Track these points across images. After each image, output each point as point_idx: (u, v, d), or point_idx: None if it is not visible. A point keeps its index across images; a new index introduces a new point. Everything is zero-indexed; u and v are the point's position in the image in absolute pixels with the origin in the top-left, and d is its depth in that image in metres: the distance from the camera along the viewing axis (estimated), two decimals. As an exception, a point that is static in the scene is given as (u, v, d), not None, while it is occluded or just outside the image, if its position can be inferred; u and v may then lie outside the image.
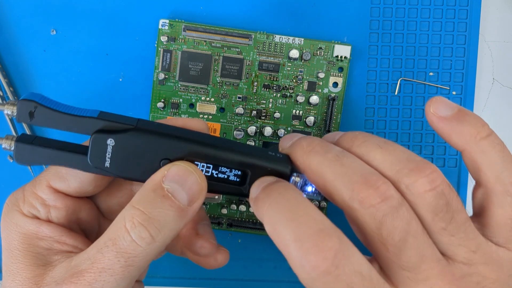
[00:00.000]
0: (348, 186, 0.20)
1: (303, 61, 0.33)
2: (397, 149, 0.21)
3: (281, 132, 0.33)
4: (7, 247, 0.23)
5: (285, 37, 0.33)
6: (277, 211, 0.20)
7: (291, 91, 0.33)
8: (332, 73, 0.33)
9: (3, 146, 0.23)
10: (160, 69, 0.33)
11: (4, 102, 0.22)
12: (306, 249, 0.19)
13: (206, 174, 0.23)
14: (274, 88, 0.33)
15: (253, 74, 0.33)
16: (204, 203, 0.34)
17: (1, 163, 0.35)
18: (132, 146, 0.22)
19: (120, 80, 0.34)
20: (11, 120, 0.34)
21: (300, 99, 0.33)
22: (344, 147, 0.22)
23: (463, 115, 0.22)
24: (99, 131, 0.22)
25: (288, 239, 0.19)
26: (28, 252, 0.23)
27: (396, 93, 0.34)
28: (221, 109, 0.34)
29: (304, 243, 0.19)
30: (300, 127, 0.34)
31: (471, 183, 0.35)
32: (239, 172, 0.23)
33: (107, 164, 0.22)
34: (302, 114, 0.34)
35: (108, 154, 0.22)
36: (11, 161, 0.35)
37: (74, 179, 0.24)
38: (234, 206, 0.34)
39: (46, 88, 0.34)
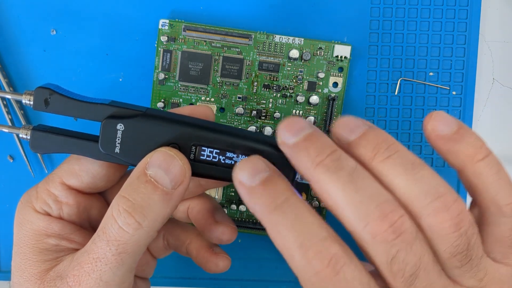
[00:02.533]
0: (361, 218, 0.19)
1: (303, 61, 0.33)
2: (424, 177, 0.19)
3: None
4: (18, 243, 0.24)
5: (285, 37, 0.33)
6: (282, 215, 0.20)
7: (291, 91, 0.33)
8: (332, 73, 0.33)
9: (20, 135, 0.24)
10: (160, 69, 0.33)
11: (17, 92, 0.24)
12: (310, 255, 0.19)
13: (213, 160, 0.23)
14: (274, 88, 0.33)
15: (253, 74, 0.33)
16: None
17: (1, 163, 0.35)
18: (141, 131, 0.23)
19: (120, 80, 0.34)
20: (11, 121, 0.34)
21: (300, 99, 0.33)
22: (362, 158, 0.20)
23: (462, 134, 0.21)
24: (109, 117, 0.23)
25: (293, 243, 0.19)
26: (37, 248, 0.23)
27: (396, 93, 0.34)
28: (221, 109, 0.34)
29: (309, 249, 0.19)
30: (300, 127, 0.34)
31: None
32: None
33: (117, 149, 0.23)
34: (302, 114, 0.34)
35: (118, 140, 0.23)
36: (11, 161, 0.35)
37: (86, 174, 0.24)
38: (234, 206, 0.34)
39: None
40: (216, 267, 0.27)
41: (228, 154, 0.23)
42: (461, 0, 0.34)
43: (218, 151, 0.23)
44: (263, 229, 0.34)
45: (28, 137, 0.24)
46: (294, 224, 0.19)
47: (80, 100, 0.23)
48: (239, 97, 0.33)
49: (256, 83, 0.33)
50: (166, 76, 0.33)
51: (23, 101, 0.23)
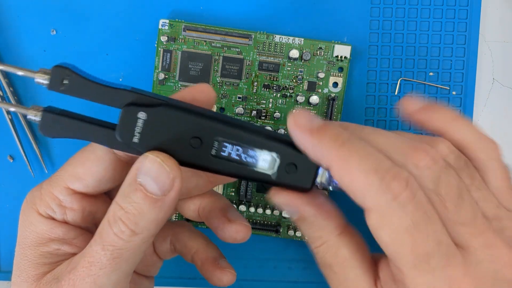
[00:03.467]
0: (403, 153, 0.21)
1: (303, 61, 0.33)
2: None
3: (281, 132, 0.33)
4: (20, 242, 0.24)
5: (285, 37, 0.33)
6: (352, 147, 0.21)
7: (291, 91, 0.33)
8: (332, 73, 0.33)
9: (28, 116, 0.22)
10: (160, 69, 0.33)
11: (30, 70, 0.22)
12: (388, 178, 0.20)
13: (235, 157, 0.22)
14: (274, 88, 0.33)
15: (253, 74, 0.33)
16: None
17: (1, 163, 0.35)
18: (164, 121, 0.22)
19: (120, 80, 0.34)
20: (12, 121, 0.34)
21: (300, 99, 0.33)
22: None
23: (434, 105, 0.24)
24: (130, 104, 0.22)
25: (369, 170, 0.20)
26: (38, 251, 0.23)
27: (396, 93, 0.34)
28: (221, 109, 0.34)
29: (386, 173, 0.20)
30: (300, 127, 0.34)
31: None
32: (268, 158, 0.23)
33: (135, 139, 0.22)
34: (302, 114, 0.33)
35: (138, 129, 0.22)
36: (11, 161, 0.35)
37: (91, 178, 0.24)
38: (234, 206, 0.34)
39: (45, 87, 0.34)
40: (220, 282, 0.27)
41: (251, 152, 0.22)
42: (461, 0, 0.34)
43: (241, 148, 0.22)
44: (263, 229, 0.34)
45: (38, 119, 0.22)
46: (366, 154, 0.21)
47: (100, 83, 0.22)
48: (239, 97, 0.33)
49: (256, 83, 0.33)
50: (166, 76, 0.33)
51: (36, 80, 0.22)
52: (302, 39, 0.33)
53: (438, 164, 0.21)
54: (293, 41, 0.33)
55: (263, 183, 0.23)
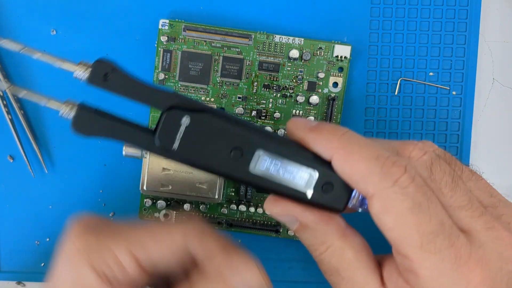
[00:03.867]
0: (393, 149, 0.23)
1: (303, 61, 0.33)
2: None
3: (281, 132, 0.33)
4: (57, 283, 0.21)
5: (285, 37, 0.33)
6: (351, 137, 0.22)
7: (291, 91, 0.33)
8: (332, 73, 0.33)
9: (61, 112, 0.21)
10: (160, 69, 0.33)
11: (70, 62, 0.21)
12: (388, 164, 0.21)
13: (273, 173, 0.22)
14: (274, 88, 0.33)
15: (253, 74, 0.33)
16: (204, 203, 0.34)
17: (1, 163, 0.35)
18: (208, 128, 0.21)
19: (120, 80, 0.34)
20: (12, 121, 0.34)
21: (300, 99, 0.33)
22: None
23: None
24: (173, 107, 0.21)
25: (370, 157, 0.21)
26: None
27: (396, 93, 0.34)
28: (221, 109, 0.34)
29: (386, 160, 0.21)
30: (300, 127, 0.34)
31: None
32: (306, 176, 0.22)
33: (175, 145, 0.21)
34: (302, 114, 0.34)
35: (180, 134, 0.21)
36: (11, 161, 0.35)
37: (158, 258, 0.21)
38: (234, 206, 0.34)
39: (46, 88, 0.34)
40: None
41: (289, 168, 0.22)
42: (461, 0, 0.34)
43: (280, 162, 0.22)
44: (263, 229, 0.34)
45: (71, 115, 0.21)
46: (366, 143, 0.22)
47: (143, 82, 0.21)
48: (239, 97, 0.33)
49: (256, 83, 0.33)
50: (166, 76, 0.33)
51: (75, 73, 0.21)
52: (302, 39, 0.33)
53: (428, 154, 0.23)
54: (293, 41, 0.33)
55: (297, 200, 0.23)
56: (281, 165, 0.22)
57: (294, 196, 0.22)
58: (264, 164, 0.22)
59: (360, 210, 0.23)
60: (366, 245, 0.24)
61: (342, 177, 0.22)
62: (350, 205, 0.23)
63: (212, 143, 0.21)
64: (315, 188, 0.22)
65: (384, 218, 0.21)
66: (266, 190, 0.23)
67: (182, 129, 0.21)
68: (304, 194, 0.22)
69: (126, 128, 0.21)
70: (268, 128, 0.33)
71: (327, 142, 0.22)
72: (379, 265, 0.23)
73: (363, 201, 0.23)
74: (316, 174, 0.22)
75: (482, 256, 0.21)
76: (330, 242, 0.23)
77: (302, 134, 0.23)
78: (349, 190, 0.22)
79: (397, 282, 0.22)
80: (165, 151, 0.21)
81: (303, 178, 0.22)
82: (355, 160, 0.21)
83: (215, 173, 0.22)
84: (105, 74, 0.21)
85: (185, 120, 0.21)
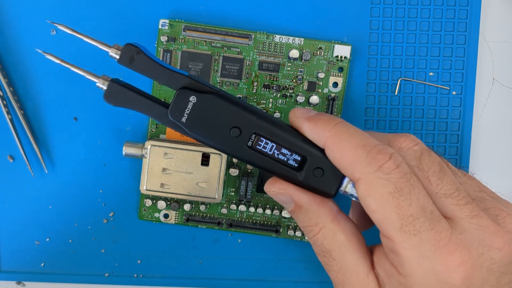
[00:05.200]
0: (385, 140, 0.24)
1: (303, 61, 0.33)
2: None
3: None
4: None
5: (285, 37, 0.33)
6: (343, 126, 0.24)
7: (291, 91, 0.33)
8: (332, 73, 0.33)
9: (97, 83, 0.25)
10: (160, 69, 0.33)
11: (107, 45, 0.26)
12: (374, 152, 0.22)
13: (268, 152, 0.25)
14: (274, 88, 0.33)
15: (253, 74, 0.33)
16: (204, 203, 0.34)
17: (1, 163, 0.35)
18: (210, 107, 0.24)
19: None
20: (12, 121, 0.34)
21: (300, 99, 0.33)
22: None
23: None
24: (185, 87, 0.24)
25: (357, 145, 0.23)
26: None
27: (396, 93, 0.34)
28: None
29: (373, 148, 0.22)
30: (300, 127, 0.34)
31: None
32: (299, 158, 0.25)
33: (183, 119, 0.24)
34: (302, 114, 0.34)
35: (187, 110, 0.24)
36: (11, 161, 0.35)
37: None
38: (234, 206, 0.34)
39: (46, 88, 0.34)
40: None
41: (283, 151, 0.25)
42: (461, 0, 0.34)
43: (275, 145, 0.25)
44: (263, 229, 0.34)
45: (105, 87, 0.25)
46: (356, 132, 0.23)
47: (162, 64, 0.24)
48: (239, 97, 0.33)
49: (256, 83, 0.33)
50: (166, 76, 0.33)
51: (110, 53, 0.25)
52: (302, 39, 0.33)
53: (419, 145, 0.24)
54: (293, 41, 0.33)
55: (291, 181, 0.25)
56: (275, 147, 0.25)
57: (288, 176, 0.25)
58: (260, 144, 0.25)
59: (353, 198, 0.25)
60: (358, 231, 0.25)
61: (334, 163, 0.24)
62: (341, 191, 0.25)
63: (215, 121, 0.24)
64: (306, 171, 0.25)
65: (368, 201, 0.22)
66: (261, 168, 0.25)
67: (189, 106, 0.24)
68: (296, 175, 0.25)
69: (146, 102, 0.25)
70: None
71: (321, 130, 0.24)
72: (371, 252, 0.25)
73: (353, 189, 0.24)
74: (307, 159, 0.25)
75: (462, 241, 0.21)
76: (323, 224, 0.25)
77: (300, 122, 0.25)
78: (340, 176, 0.24)
79: (384, 264, 0.23)
80: (175, 124, 0.24)
81: (296, 160, 0.25)
82: (344, 147, 0.23)
83: (216, 148, 0.25)
84: (131, 57, 0.24)
85: (193, 99, 0.24)
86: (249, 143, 0.25)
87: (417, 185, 0.22)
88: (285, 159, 0.25)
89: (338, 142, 0.23)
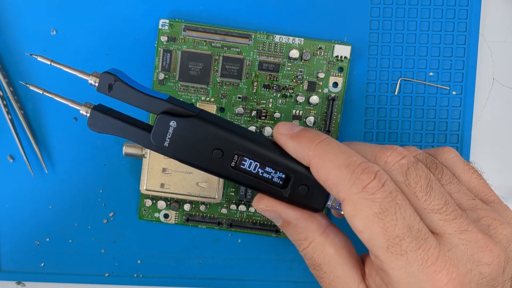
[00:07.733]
0: (373, 154, 0.24)
1: (303, 61, 0.33)
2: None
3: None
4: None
5: (285, 37, 0.33)
6: (327, 145, 0.23)
7: (291, 91, 0.33)
8: (332, 73, 0.33)
9: (81, 111, 0.25)
10: (160, 69, 0.33)
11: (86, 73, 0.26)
12: (358, 171, 0.22)
13: (252, 171, 0.25)
14: (274, 88, 0.33)
15: (253, 74, 0.33)
16: (204, 203, 0.34)
17: (1, 163, 0.35)
18: (191, 131, 0.24)
19: (120, 80, 0.34)
20: (12, 121, 0.34)
21: (300, 99, 0.33)
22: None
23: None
24: (165, 112, 0.24)
25: (341, 165, 0.22)
26: None
27: (396, 93, 0.34)
28: (221, 109, 0.34)
29: (357, 167, 0.22)
30: (300, 127, 0.34)
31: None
32: (283, 176, 0.25)
33: (166, 143, 0.25)
34: (302, 114, 0.34)
35: (169, 135, 0.24)
36: (11, 161, 0.35)
37: None
38: (234, 206, 0.34)
39: (46, 88, 0.34)
40: None
41: (267, 169, 0.25)
42: (461, 0, 0.34)
43: (259, 164, 0.25)
44: (263, 229, 0.34)
45: (88, 115, 0.25)
46: (340, 151, 0.23)
47: (140, 91, 0.25)
48: (239, 97, 0.33)
49: (256, 83, 0.33)
50: (166, 76, 0.33)
51: (89, 81, 0.25)
52: (302, 39, 0.33)
53: (406, 159, 0.23)
54: (293, 41, 0.33)
55: (277, 198, 0.25)
56: (259, 166, 0.25)
57: (274, 194, 0.25)
58: (244, 164, 0.25)
59: (341, 212, 0.24)
60: (348, 242, 0.25)
61: (319, 182, 0.24)
62: (329, 206, 0.25)
63: (196, 144, 0.25)
64: (291, 189, 0.25)
65: (354, 222, 0.22)
66: (247, 186, 0.25)
67: (170, 130, 0.24)
68: (282, 193, 0.25)
69: (129, 128, 0.25)
70: (268, 129, 0.33)
71: (305, 149, 0.24)
72: (362, 263, 0.25)
73: (339, 205, 0.24)
74: (292, 176, 0.25)
75: (450, 258, 0.21)
76: (312, 238, 0.25)
77: (283, 140, 0.25)
78: (326, 192, 0.25)
79: (375, 279, 0.23)
80: (159, 148, 0.25)
81: (280, 178, 0.25)
82: (328, 168, 0.23)
83: (200, 169, 0.25)
84: (109, 85, 0.24)
85: (173, 124, 0.24)
86: (232, 164, 0.25)
87: (403, 203, 0.22)
88: (270, 177, 0.25)
89: (322, 162, 0.23)
